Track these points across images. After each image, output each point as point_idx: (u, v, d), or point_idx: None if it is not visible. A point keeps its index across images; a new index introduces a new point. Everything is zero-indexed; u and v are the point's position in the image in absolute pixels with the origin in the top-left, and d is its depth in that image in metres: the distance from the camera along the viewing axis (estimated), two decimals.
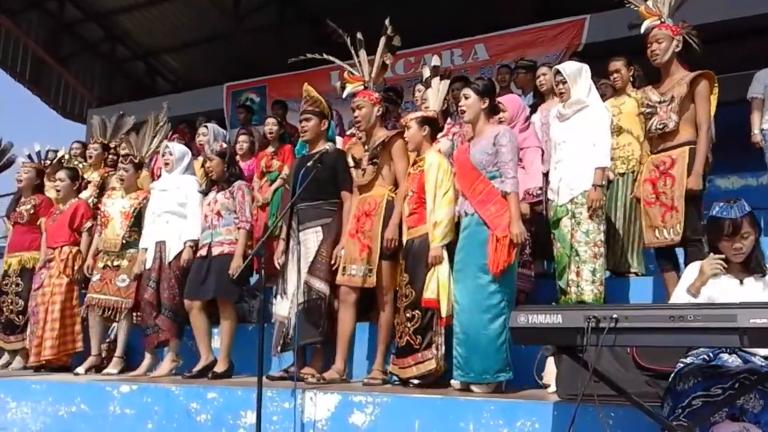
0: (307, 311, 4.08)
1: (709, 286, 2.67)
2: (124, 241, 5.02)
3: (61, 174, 5.50)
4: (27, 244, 5.60)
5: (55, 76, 12.75)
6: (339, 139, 5.32)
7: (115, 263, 5.01)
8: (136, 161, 5.22)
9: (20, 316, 5.42)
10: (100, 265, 5.05)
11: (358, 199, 4.21)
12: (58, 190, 5.53)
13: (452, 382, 3.67)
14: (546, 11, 9.60)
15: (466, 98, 3.79)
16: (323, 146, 4.34)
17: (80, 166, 6.27)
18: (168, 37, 12.60)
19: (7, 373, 5.16)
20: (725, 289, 2.66)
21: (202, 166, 5.42)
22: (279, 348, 4.23)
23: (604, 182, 3.94)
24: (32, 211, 5.60)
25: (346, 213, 4.24)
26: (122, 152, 5.47)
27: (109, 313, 4.95)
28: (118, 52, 13.14)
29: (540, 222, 4.45)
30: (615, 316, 2.27)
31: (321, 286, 4.11)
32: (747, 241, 2.64)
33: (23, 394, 4.50)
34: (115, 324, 5.17)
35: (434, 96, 4.28)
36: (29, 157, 6.07)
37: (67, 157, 6.62)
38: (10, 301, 5.48)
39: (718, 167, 4.86)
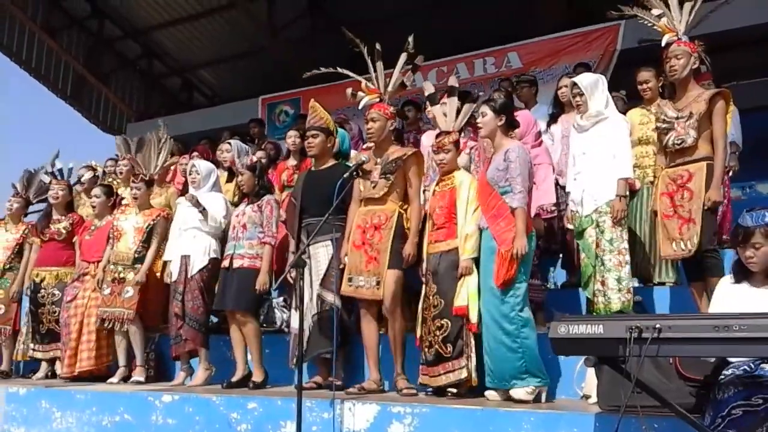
0: (319, 323, 4.19)
1: (739, 296, 2.65)
2: (136, 255, 5.19)
3: (97, 191, 5.68)
4: (63, 260, 5.77)
5: (95, 92, 13.04)
6: (354, 152, 5.34)
7: (122, 275, 5.17)
8: (147, 179, 5.39)
9: (57, 324, 5.55)
10: (109, 278, 5.20)
11: (364, 210, 4.23)
12: (93, 206, 5.69)
13: (486, 393, 3.70)
14: (580, 18, 9.51)
15: (483, 116, 3.87)
16: (328, 161, 4.46)
17: (114, 183, 6.41)
18: (203, 52, 12.81)
19: (52, 383, 5.27)
20: (757, 299, 2.64)
21: (228, 180, 5.53)
22: (294, 360, 4.29)
23: (627, 193, 3.96)
24: (69, 229, 5.77)
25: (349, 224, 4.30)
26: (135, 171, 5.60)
27: (117, 324, 5.09)
28: (155, 67, 13.40)
29: (558, 235, 4.46)
30: (658, 326, 2.25)
31: (333, 298, 4.19)
32: (759, 251, 2.62)
33: (68, 403, 4.61)
34: (155, 335, 5.30)
35: (448, 113, 4.21)
36: (53, 174, 6.18)
37: (101, 173, 6.78)
38: (47, 311, 5.63)
39: (761, 173, 4.79)
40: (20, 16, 11.57)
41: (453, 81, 4.39)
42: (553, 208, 4.32)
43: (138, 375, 5.07)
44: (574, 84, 4.16)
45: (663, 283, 4.58)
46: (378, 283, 4.02)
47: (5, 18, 11.56)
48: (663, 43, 3.99)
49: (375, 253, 4.07)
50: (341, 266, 4.21)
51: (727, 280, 2.82)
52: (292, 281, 4.33)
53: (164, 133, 5.64)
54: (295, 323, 4.26)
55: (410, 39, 4.33)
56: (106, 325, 5.12)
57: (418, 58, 4.36)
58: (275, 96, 11.31)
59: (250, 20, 11.40)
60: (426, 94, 4.42)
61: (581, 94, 4.09)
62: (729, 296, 2.72)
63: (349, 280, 4.12)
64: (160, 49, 12.95)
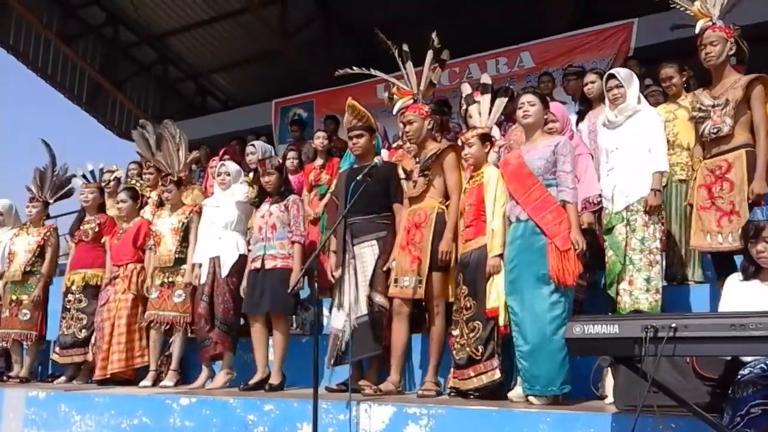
0: (369, 324, 4.13)
1: (750, 293, 2.64)
2: (177, 257, 5.19)
3: (123, 195, 5.69)
4: (90, 261, 5.75)
5: (110, 98, 13.18)
6: (385, 152, 5.34)
7: (170, 279, 5.17)
8: (176, 179, 5.40)
9: (83, 331, 5.55)
10: (158, 282, 5.21)
11: (408, 210, 4.22)
12: (119, 209, 5.73)
13: (510, 394, 3.64)
14: (592, 16, 9.47)
15: (532, 105, 3.76)
16: (372, 160, 4.39)
17: (138, 185, 6.45)
18: (217, 57, 12.92)
19: (71, 386, 5.32)
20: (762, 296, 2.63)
21: (253, 183, 5.56)
22: (333, 361, 4.28)
23: (662, 187, 3.87)
24: (96, 230, 5.78)
25: (398, 225, 4.28)
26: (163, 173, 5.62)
27: (169, 327, 5.12)
28: (170, 73, 13.52)
29: (592, 231, 4.39)
30: (674, 325, 2.22)
31: (382, 300, 4.15)
32: None
33: (87, 407, 4.65)
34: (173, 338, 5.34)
35: (484, 111, 4.21)
36: (84, 177, 6.24)
37: (125, 178, 6.83)
38: (71, 316, 5.63)
39: None
40: (35, 24, 11.73)
41: (486, 78, 4.37)
42: (600, 199, 4.12)
43: (169, 379, 5.07)
44: (611, 76, 4.03)
45: (684, 282, 4.52)
46: (420, 282, 3.97)
47: (21, 26, 11.73)
48: (697, 30, 3.84)
49: (418, 252, 4.03)
50: (386, 269, 4.17)
51: (735, 277, 2.79)
52: (334, 281, 4.33)
53: (175, 129, 5.63)
54: (338, 324, 4.26)
55: (434, 35, 4.30)
56: (160, 328, 5.12)
57: (444, 52, 4.33)
58: (288, 99, 11.38)
59: (263, 24, 11.47)
60: (464, 94, 4.40)
61: (619, 86, 3.96)
62: (738, 294, 2.69)
63: (396, 281, 4.08)
64: (174, 54, 13.08)
